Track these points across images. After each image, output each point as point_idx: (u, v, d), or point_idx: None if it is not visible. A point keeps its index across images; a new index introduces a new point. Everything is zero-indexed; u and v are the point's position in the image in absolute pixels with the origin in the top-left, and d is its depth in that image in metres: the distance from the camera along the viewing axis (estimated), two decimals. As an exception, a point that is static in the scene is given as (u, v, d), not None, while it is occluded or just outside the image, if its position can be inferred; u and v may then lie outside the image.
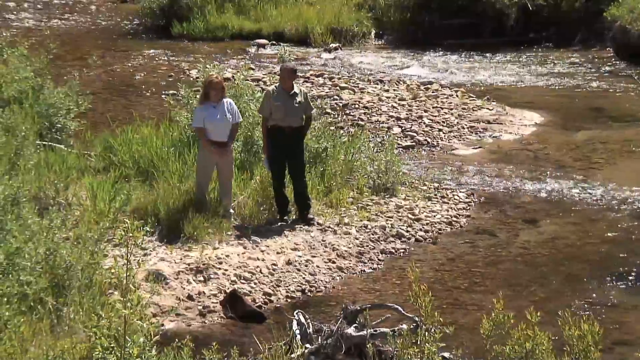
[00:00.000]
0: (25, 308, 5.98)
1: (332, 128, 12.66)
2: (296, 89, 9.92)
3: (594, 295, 8.65)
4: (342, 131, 13.17)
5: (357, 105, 15.45)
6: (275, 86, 10.08)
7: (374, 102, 15.64)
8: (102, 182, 10.11)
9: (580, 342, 4.19)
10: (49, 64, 12.75)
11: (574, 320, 4.28)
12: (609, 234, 10.19)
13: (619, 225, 10.43)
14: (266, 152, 9.98)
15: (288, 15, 21.93)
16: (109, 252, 7.52)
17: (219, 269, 8.88)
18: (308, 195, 10.15)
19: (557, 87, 17.36)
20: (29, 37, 15.73)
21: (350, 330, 7.20)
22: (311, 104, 10.26)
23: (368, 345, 6.80)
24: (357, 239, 9.86)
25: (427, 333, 4.06)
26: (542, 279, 9.06)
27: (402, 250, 9.75)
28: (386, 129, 14.10)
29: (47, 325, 5.59)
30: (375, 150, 11.88)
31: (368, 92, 16.32)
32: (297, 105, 9.78)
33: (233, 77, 14.21)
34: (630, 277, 9.06)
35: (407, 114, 14.96)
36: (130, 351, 3.87)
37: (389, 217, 10.46)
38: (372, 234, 10.00)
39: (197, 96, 10.91)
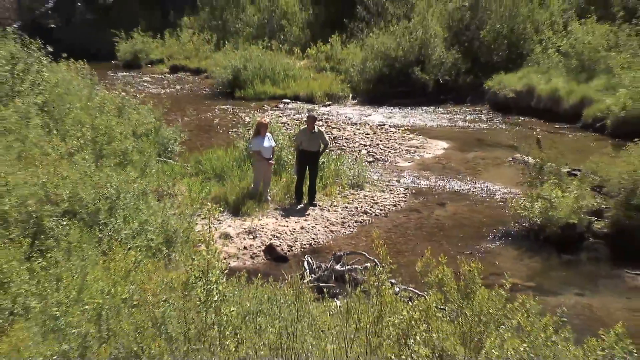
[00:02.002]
0: (150, 254, 5.96)
1: (326, 151, 12.63)
2: (316, 130, 9.93)
3: (477, 246, 8.65)
4: (332, 152, 13.15)
5: (341, 137, 15.40)
6: (304, 127, 10.12)
7: (351, 136, 15.61)
8: (194, 181, 10.13)
9: (470, 273, 4.16)
10: (164, 114, 12.75)
11: (467, 261, 4.25)
12: (486, 211, 10.18)
13: (492, 206, 10.41)
14: (296, 164, 10.03)
15: (301, 85, 21.86)
16: (198, 221, 7.51)
17: (262, 231, 8.87)
18: (315, 189, 10.16)
19: (456, 127, 17.31)
20: (152, 98, 15.69)
21: (337, 267, 7.21)
22: (325, 137, 10.19)
23: (347, 275, 6.80)
24: (341, 214, 9.85)
25: (381, 268, 4.04)
26: (448, 237, 9.04)
27: (368, 221, 9.73)
28: (358, 151, 14.07)
29: (162, 264, 5.56)
30: (351, 163, 11.86)
31: (347, 130, 16.28)
32: (316, 139, 9.85)
33: (270, 121, 14.12)
34: (498, 236, 9.07)
35: (370, 142, 14.92)
36: (211, 279, 3.86)
37: (360, 201, 10.44)
38: (350, 211, 9.99)
39: (250, 132, 10.91)
